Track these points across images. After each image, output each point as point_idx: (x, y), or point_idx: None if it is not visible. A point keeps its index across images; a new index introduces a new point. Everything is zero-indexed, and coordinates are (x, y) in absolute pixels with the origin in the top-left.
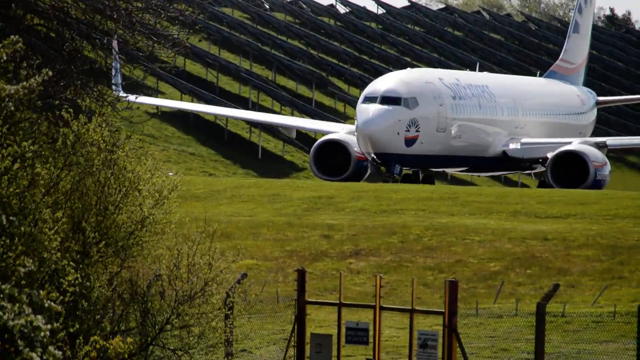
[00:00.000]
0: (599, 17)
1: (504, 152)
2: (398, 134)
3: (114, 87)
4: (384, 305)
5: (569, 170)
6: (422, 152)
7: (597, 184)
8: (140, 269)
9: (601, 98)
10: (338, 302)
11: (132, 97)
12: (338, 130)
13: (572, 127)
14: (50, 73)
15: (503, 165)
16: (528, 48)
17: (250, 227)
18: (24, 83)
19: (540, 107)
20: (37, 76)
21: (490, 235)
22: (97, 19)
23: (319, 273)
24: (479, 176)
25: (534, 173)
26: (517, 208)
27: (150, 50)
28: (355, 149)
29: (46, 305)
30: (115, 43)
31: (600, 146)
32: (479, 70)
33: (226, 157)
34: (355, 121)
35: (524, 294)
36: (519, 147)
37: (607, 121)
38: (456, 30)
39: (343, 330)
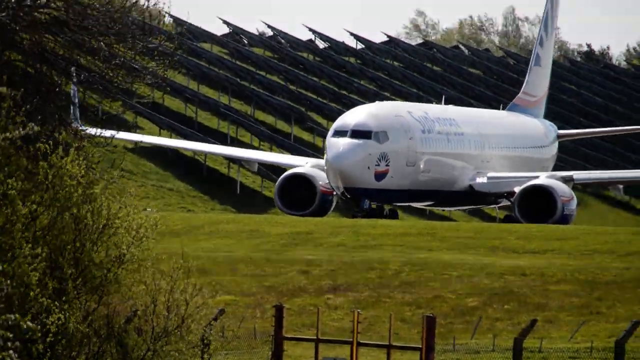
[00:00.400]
0: (577, 53)
1: (471, 187)
2: (368, 168)
3: (72, 118)
4: (361, 341)
5: (537, 204)
6: (391, 186)
7: (565, 219)
8: (117, 306)
9: (562, 131)
10: (315, 337)
11: (108, 133)
12: (302, 164)
13: (535, 160)
14: (36, 128)
15: (469, 199)
16: (507, 83)
17: (229, 262)
18: (7, 134)
19: (506, 141)
20: (20, 129)
21: (468, 271)
22: (75, 53)
23: (296, 309)
24: (448, 211)
25: (498, 207)
26: (495, 243)
27: (129, 84)
28: (321, 182)
29: (24, 326)
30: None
31: (566, 180)
32: (445, 103)
33: (204, 193)
34: (325, 155)
35: (501, 329)
36: (485, 181)
37: (566, 150)
38: (435, 65)
39: None
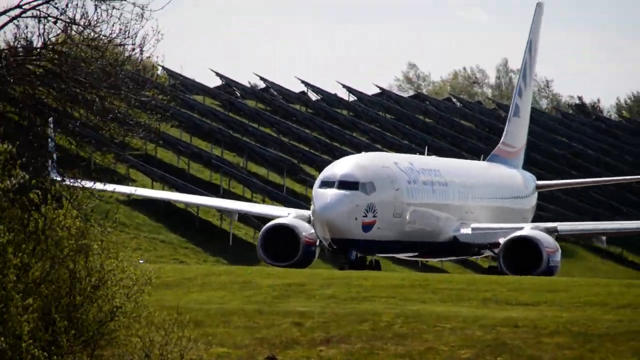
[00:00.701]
0: (569, 105)
1: (455, 238)
2: (356, 219)
3: (49, 168)
4: None
5: (522, 256)
6: (378, 237)
7: (550, 270)
8: (110, 358)
9: (540, 182)
10: None
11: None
12: (284, 215)
13: (516, 211)
14: (27, 176)
15: (453, 250)
16: (498, 135)
17: (221, 314)
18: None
19: (488, 192)
20: (12, 178)
21: (461, 323)
22: (68, 105)
23: None
24: (440, 262)
25: (481, 258)
26: (487, 295)
27: (122, 138)
28: (304, 233)
29: None
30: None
31: (550, 232)
32: (427, 154)
33: (197, 245)
34: (312, 206)
35: None
36: (470, 232)
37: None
38: (427, 117)
39: None
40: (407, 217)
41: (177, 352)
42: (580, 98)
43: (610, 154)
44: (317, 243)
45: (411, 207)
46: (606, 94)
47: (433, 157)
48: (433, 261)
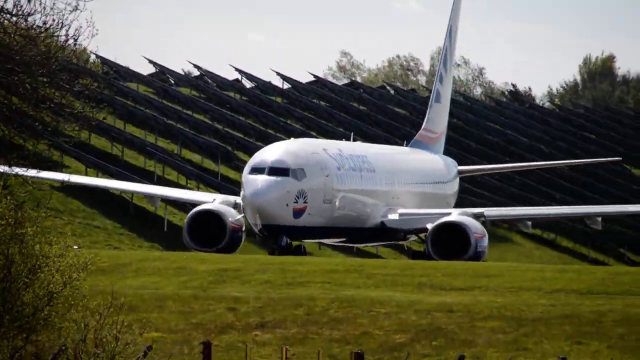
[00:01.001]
0: (502, 92)
1: (382, 223)
2: (287, 205)
3: None
4: None
5: (449, 241)
6: (309, 223)
7: (477, 256)
8: (45, 343)
9: (462, 167)
10: None
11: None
12: (209, 200)
13: (440, 196)
14: None
15: (381, 235)
16: None
17: (156, 299)
18: None
19: (413, 177)
20: None
21: (395, 308)
22: (1, 94)
23: (225, 345)
24: (375, 248)
25: (405, 244)
26: (422, 280)
27: (55, 125)
28: (231, 219)
29: None
30: None
31: (477, 217)
32: (353, 140)
33: (131, 231)
34: (242, 192)
35: None
36: (397, 217)
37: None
38: (361, 104)
39: None
40: (337, 203)
41: (111, 336)
42: (514, 85)
43: (543, 141)
44: (244, 228)
45: (341, 193)
46: (538, 82)
47: (359, 143)
48: (368, 247)
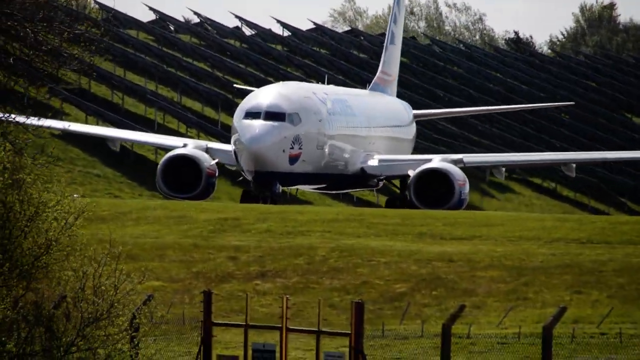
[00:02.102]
0: (504, 40)
1: (362, 170)
2: (283, 151)
3: None
4: (290, 327)
5: (431, 189)
6: (302, 170)
7: (460, 203)
8: (45, 292)
9: (417, 111)
10: (244, 323)
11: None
12: (180, 145)
13: (404, 141)
14: None
15: (359, 182)
16: (432, 70)
17: (156, 248)
18: None
19: (384, 121)
20: None
21: (396, 257)
22: (0, 39)
23: (225, 294)
24: (375, 197)
25: (376, 190)
26: (422, 230)
27: (55, 71)
28: (206, 164)
29: None
30: None
31: (456, 163)
32: (327, 83)
33: (132, 179)
34: (235, 137)
35: (429, 315)
36: (376, 164)
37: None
38: (362, 52)
39: (249, 352)
40: (326, 149)
41: (110, 285)
42: (516, 33)
43: (544, 89)
44: (217, 174)
45: (331, 139)
46: (539, 30)
47: (332, 86)
48: (369, 196)
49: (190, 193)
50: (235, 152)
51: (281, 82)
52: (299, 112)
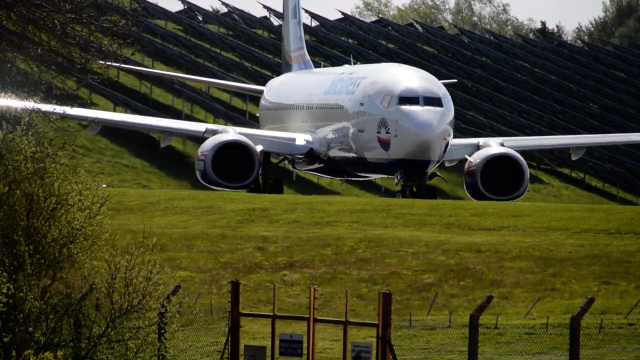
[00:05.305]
0: (531, 30)
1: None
2: (444, 138)
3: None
4: (317, 317)
5: (496, 175)
6: (436, 158)
7: (524, 192)
8: (74, 282)
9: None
10: (272, 314)
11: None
12: (201, 130)
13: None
14: None
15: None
16: (461, 61)
17: (184, 239)
18: None
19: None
20: None
21: (423, 247)
22: (29, 29)
23: (253, 285)
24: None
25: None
26: (450, 220)
27: (83, 63)
28: (257, 150)
29: None
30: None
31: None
32: (353, 64)
33: (160, 169)
34: (395, 123)
35: (457, 305)
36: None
37: None
38: (389, 42)
39: (277, 342)
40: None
41: (142, 276)
42: (543, 23)
43: (572, 80)
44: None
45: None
46: (566, 20)
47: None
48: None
49: (242, 182)
50: (395, 139)
51: (398, 64)
52: (446, 97)
